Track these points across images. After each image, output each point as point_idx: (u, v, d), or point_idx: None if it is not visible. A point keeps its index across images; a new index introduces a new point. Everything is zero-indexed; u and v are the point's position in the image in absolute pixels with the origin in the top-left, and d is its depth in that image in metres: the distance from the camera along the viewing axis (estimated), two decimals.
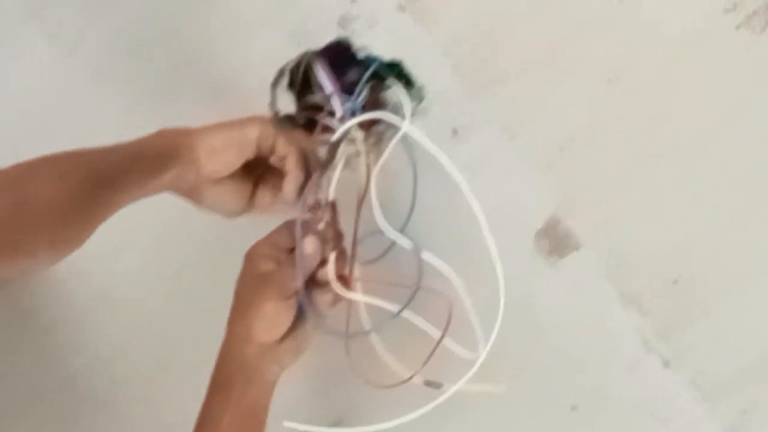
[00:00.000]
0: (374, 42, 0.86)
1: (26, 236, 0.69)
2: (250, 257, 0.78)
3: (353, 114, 0.83)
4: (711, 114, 0.89)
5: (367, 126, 0.85)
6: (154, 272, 0.92)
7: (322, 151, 0.83)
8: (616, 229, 0.90)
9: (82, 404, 0.92)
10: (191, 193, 0.79)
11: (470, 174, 0.85)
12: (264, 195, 0.83)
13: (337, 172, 0.81)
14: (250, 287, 0.77)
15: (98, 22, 0.87)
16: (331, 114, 0.84)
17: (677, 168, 0.89)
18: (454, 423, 0.91)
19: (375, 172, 0.85)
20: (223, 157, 0.77)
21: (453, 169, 0.84)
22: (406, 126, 0.84)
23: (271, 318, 0.76)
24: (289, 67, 0.87)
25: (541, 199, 0.90)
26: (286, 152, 0.79)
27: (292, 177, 0.79)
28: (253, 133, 0.78)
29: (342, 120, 0.83)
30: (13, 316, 0.91)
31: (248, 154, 0.79)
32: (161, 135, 0.77)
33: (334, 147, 0.82)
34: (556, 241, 0.90)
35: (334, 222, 0.81)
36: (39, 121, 0.89)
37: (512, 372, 0.90)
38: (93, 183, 0.72)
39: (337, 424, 0.90)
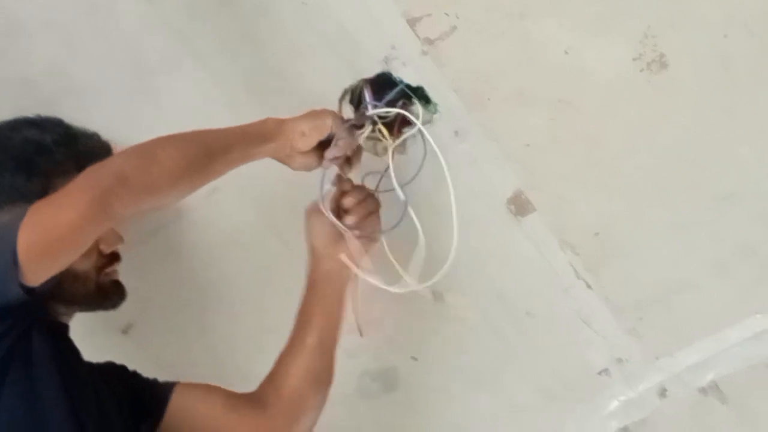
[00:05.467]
0: (406, 74, 1.30)
1: (158, 184, 1.07)
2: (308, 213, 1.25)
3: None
4: (626, 125, 1.32)
5: (397, 131, 1.30)
6: (261, 224, 1.39)
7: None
8: (559, 200, 1.36)
9: (209, 309, 1.41)
10: (285, 160, 1.21)
11: (466, 160, 1.31)
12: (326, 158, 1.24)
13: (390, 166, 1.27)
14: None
15: (233, 72, 1.32)
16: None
17: (603, 161, 1.34)
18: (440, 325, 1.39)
19: (392, 151, 1.28)
20: (308, 139, 1.19)
21: (439, 154, 1.27)
22: (419, 125, 1.28)
23: (329, 235, 1.22)
24: (350, 89, 1.32)
25: (511, 178, 1.35)
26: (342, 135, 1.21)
27: (344, 143, 1.21)
28: (329, 123, 1.20)
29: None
30: (169, 254, 1.40)
31: (323, 136, 1.20)
32: (266, 121, 1.18)
33: (361, 118, 1.26)
34: (519, 206, 1.37)
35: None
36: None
37: (486, 287, 1.38)
38: (206, 151, 1.11)
39: None
